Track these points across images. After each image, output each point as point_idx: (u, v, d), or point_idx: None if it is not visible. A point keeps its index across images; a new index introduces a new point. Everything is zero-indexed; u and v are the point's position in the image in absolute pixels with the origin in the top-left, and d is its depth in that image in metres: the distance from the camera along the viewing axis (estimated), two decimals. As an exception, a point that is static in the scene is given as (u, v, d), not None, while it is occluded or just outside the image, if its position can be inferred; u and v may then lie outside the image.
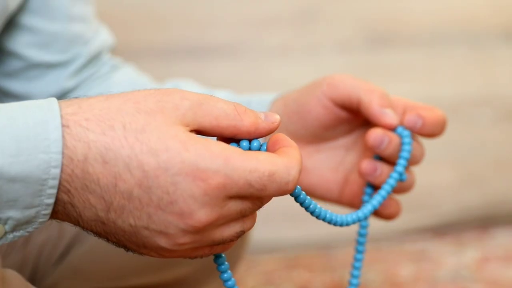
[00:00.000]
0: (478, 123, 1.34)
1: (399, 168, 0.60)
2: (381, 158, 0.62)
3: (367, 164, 0.62)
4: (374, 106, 0.60)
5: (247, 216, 0.45)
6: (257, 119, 0.46)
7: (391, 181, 0.60)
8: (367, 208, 0.57)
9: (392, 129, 0.61)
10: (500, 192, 1.33)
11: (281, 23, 1.29)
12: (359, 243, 0.63)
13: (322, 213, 0.50)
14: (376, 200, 0.58)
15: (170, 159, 0.41)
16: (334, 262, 1.16)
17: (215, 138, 0.46)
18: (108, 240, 0.45)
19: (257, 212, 0.47)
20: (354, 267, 0.63)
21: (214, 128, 0.44)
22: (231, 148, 0.43)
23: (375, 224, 1.24)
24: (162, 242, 0.43)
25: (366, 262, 1.15)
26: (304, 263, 1.17)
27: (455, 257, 1.17)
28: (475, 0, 1.34)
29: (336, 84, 0.63)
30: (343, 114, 0.64)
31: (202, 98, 0.44)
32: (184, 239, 0.43)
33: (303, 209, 0.65)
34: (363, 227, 0.63)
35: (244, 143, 0.46)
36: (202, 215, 0.42)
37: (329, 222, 0.52)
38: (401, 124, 0.61)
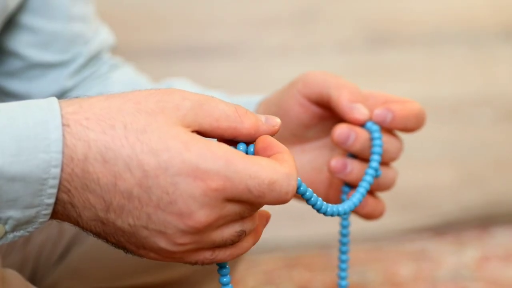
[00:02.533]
0: (478, 123, 1.34)
1: (374, 164, 0.58)
2: (355, 156, 0.61)
3: (337, 162, 0.60)
4: (342, 101, 0.59)
5: (246, 217, 0.45)
6: (257, 122, 0.45)
7: (368, 178, 0.58)
8: (347, 204, 0.54)
9: (362, 124, 0.59)
10: (500, 192, 1.33)
11: (281, 23, 1.29)
12: (342, 243, 0.62)
13: (319, 203, 0.49)
14: (356, 197, 0.56)
15: (170, 159, 0.41)
16: (334, 262, 1.16)
17: (215, 140, 0.46)
18: (107, 241, 0.45)
19: (253, 228, 0.46)
20: (341, 269, 0.62)
21: (215, 129, 0.44)
22: (233, 150, 0.43)
23: (374, 223, 1.24)
24: (161, 242, 0.43)
25: (366, 262, 1.16)
26: (305, 262, 1.17)
27: (455, 257, 1.17)
28: (475, 0, 1.34)
29: (309, 81, 0.62)
30: (319, 111, 0.63)
31: (203, 98, 0.44)
32: (183, 239, 0.43)
33: (303, 209, 0.64)
34: (344, 227, 0.62)
35: (241, 147, 0.45)
36: (202, 216, 0.42)
37: (317, 209, 0.49)
38: (370, 118, 0.59)
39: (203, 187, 0.42)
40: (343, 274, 0.62)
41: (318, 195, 0.64)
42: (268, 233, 1.28)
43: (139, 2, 1.26)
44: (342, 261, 0.62)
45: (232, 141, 0.46)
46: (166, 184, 0.42)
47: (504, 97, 1.35)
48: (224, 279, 0.48)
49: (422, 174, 1.33)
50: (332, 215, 0.51)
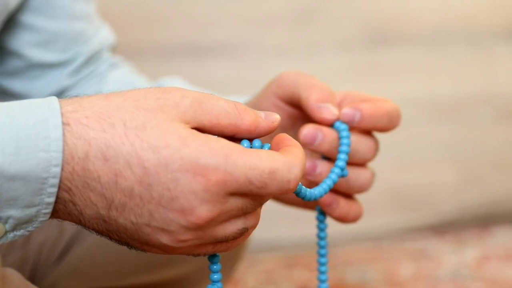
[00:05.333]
0: (478, 122, 1.34)
1: (340, 162, 0.56)
2: (329, 158, 0.59)
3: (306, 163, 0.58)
4: (310, 101, 0.57)
5: (249, 212, 0.45)
6: (257, 118, 0.45)
7: (332, 176, 0.55)
8: (312, 192, 0.52)
9: (330, 124, 0.58)
10: (500, 191, 1.33)
11: (281, 22, 1.29)
12: (320, 246, 0.60)
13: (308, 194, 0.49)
14: (317, 191, 0.53)
15: (170, 156, 0.41)
16: (333, 261, 1.16)
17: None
18: (110, 238, 0.45)
19: (257, 224, 0.46)
20: (320, 272, 0.61)
21: (215, 126, 0.44)
22: (232, 144, 0.43)
23: (375, 222, 1.25)
24: (164, 239, 0.43)
25: (366, 261, 1.16)
26: (304, 262, 1.17)
27: (455, 256, 1.17)
28: (475, -1, 1.34)
29: (282, 82, 0.60)
30: (294, 112, 0.61)
31: (203, 96, 0.44)
32: (186, 235, 0.43)
33: (303, 208, 0.64)
34: (321, 229, 0.60)
35: (246, 144, 0.46)
36: (203, 212, 0.42)
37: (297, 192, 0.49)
38: (339, 118, 0.57)
39: (203, 183, 0.42)
40: (323, 277, 0.60)
41: (299, 200, 0.63)
42: (268, 233, 1.29)
43: (139, 2, 1.26)
44: (321, 264, 0.61)
45: (233, 138, 0.46)
46: (167, 181, 0.42)
47: (504, 96, 1.35)
48: (214, 267, 0.48)
49: (422, 174, 1.33)
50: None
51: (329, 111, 0.57)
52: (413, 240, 1.26)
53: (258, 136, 0.46)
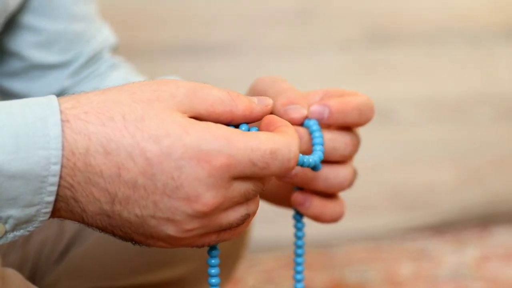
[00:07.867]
0: (478, 122, 1.34)
1: (317, 154, 0.53)
2: None
3: None
4: (277, 106, 0.55)
5: (251, 199, 0.46)
6: (251, 103, 0.46)
7: (316, 155, 0.53)
8: (310, 157, 0.51)
9: (300, 124, 0.56)
10: (500, 191, 1.33)
11: (281, 21, 1.29)
12: (297, 246, 0.59)
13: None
14: (302, 158, 0.51)
15: (172, 144, 0.42)
16: (333, 261, 1.16)
17: None
18: (114, 234, 0.45)
19: (257, 211, 0.47)
20: (296, 272, 0.60)
21: (210, 114, 0.45)
22: (231, 129, 0.44)
23: (375, 222, 1.25)
24: (170, 230, 0.44)
25: (366, 261, 1.16)
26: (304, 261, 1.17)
27: (455, 256, 1.17)
28: (475, -1, 1.34)
29: (255, 89, 0.60)
30: None
31: (197, 86, 0.45)
32: (192, 224, 0.43)
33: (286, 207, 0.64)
34: (299, 229, 0.59)
35: (243, 128, 0.46)
36: (209, 198, 0.43)
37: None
38: (307, 117, 0.55)
39: (207, 168, 0.42)
40: (299, 276, 0.59)
41: (285, 202, 0.63)
42: (268, 233, 1.29)
43: (139, 2, 1.26)
44: (298, 264, 0.60)
45: (228, 125, 0.46)
46: (171, 169, 0.42)
47: (504, 96, 1.35)
48: (213, 261, 0.49)
49: (422, 174, 1.33)
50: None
51: (296, 111, 0.55)
52: (413, 240, 1.26)
53: (253, 121, 0.47)
